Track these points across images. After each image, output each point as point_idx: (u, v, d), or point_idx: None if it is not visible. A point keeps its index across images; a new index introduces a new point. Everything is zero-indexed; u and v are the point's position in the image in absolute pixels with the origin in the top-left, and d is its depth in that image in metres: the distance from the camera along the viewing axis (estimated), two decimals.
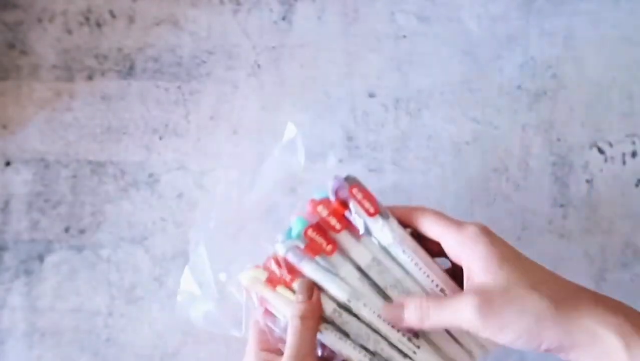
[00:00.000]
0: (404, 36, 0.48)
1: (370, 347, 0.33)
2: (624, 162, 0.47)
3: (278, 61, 0.48)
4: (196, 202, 0.45)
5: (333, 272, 0.34)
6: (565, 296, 0.28)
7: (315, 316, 0.33)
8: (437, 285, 0.34)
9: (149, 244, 0.44)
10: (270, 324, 0.34)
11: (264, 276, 0.34)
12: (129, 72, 0.47)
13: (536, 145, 0.47)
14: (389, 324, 0.33)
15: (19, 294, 0.43)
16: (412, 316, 0.31)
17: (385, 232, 0.34)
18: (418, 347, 0.33)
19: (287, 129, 0.38)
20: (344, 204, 0.35)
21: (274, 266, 0.34)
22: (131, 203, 0.45)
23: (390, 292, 0.34)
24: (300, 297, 0.33)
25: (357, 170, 0.46)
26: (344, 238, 0.35)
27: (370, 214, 0.34)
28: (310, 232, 0.34)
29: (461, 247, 0.31)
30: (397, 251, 0.34)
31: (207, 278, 0.36)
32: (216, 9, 0.48)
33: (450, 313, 0.30)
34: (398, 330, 0.33)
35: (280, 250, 0.34)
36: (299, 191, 0.40)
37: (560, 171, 0.47)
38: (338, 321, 0.33)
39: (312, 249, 0.34)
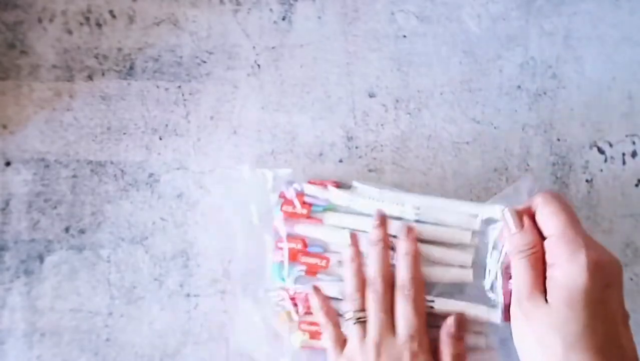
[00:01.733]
0: (404, 36, 0.48)
1: None
2: (624, 162, 0.47)
3: (278, 61, 0.48)
4: (196, 202, 0.45)
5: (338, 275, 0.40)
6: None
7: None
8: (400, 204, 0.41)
9: (149, 244, 0.44)
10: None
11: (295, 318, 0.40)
12: (129, 72, 0.47)
13: (536, 145, 0.47)
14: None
15: (19, 294, 0.43)
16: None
17: (340, 195, 0.42)
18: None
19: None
20: (300, 194, 0.42)
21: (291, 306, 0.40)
22: (131, 203, 0.45)
23: None
24: (376, 222, 0.38)
25: (357, 170, 0.46)
26: (315, 231, 0.41)
27: (335, 186, 0.42)
28: (302, 258, 0.40)
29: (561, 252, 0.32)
30: (358, 200, 0.41)
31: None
32: (216, 9, 0.48)
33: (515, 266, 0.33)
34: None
35: (290, 286, 0.40)
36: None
37: (560, 171, 0.47)
38: None
39: (311, 272, 0.40)
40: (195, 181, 0.45)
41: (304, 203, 0.42)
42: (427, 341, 0.35)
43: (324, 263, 0.40)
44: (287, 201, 0.42)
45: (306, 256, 0.40)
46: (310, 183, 0.43)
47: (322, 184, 0.43)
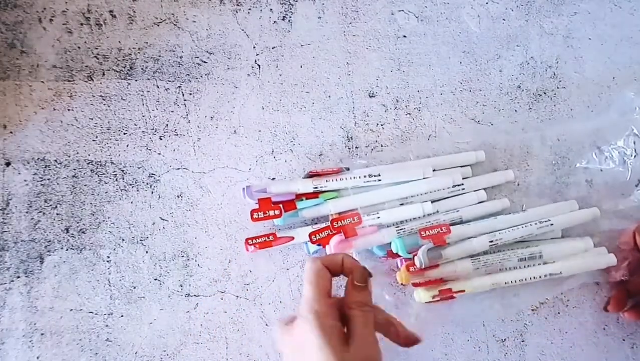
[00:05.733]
0: (404, 36, 0.48)
1: None
2: (624, 163, 0.47)
3: (278, 61, 0.48)
4: (196, 202, 0.45)
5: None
6: None
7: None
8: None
9: (149, 244, 0.44)
10: None
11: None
12: (129, 72, 0.47)
13: (536, 145, 0.47)
14: None
15: (19, 294, 0.43)
16: None
17: (356, 175, 0.44)
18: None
19: None
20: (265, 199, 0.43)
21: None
22: (131, 202, 0.45)
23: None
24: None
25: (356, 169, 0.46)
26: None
27: (336, 172, 0.44)
28: (424, 232, 0.42)
29: None
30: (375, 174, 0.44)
31: None
32: (216, 9, 0.48)
33: None
34: None
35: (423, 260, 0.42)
36: None
37: (560, 171, 0.47)
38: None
39: (437, 241, 0.42)
40: (195, 181, 0.45)
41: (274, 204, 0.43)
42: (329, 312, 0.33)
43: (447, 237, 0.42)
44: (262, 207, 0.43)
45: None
46: (311, 173, 0.44)
47: (324, 173, 0.44)
